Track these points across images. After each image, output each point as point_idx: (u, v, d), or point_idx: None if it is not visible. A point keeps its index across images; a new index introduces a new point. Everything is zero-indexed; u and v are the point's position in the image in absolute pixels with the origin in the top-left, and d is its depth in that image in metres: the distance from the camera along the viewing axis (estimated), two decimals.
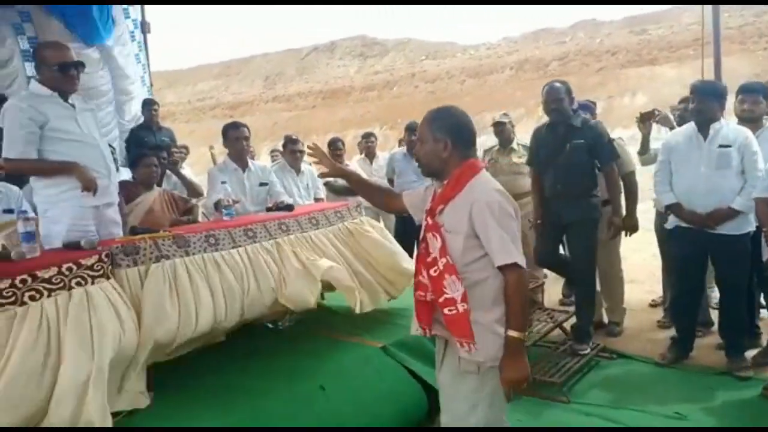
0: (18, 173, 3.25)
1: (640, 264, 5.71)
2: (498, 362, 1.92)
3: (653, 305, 4.72)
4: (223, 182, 3.64)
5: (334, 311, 3.75)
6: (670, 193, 3.56)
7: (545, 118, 3.92)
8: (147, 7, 6.48)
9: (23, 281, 2.20)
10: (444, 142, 1.99)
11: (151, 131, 5.60)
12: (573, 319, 4.01)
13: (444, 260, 1.93)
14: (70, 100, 3.01)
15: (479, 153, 6.09)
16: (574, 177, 3.72)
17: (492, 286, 1.93)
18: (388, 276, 3.60)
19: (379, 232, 3.84)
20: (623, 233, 3.96)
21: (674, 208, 3.55)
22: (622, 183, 3.87)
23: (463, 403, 1.98)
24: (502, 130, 5.07)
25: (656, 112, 4.02)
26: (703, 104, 3.43)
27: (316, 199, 5.28)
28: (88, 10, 5.50)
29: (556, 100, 3.72)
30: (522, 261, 1.90)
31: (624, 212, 3.92)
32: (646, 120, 4.01)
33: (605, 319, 4.30)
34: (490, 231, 1.89)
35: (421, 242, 2.06)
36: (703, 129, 3.45)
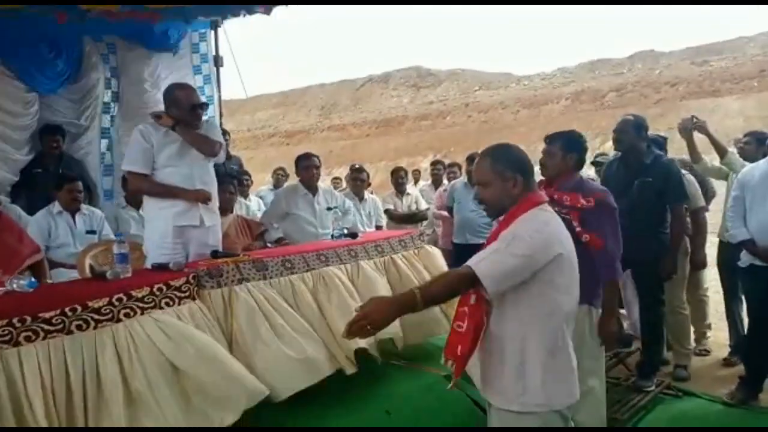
0: (136, 190, 3.64)
1: None
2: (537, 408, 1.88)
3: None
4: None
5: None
6: (743, 229, 3.51)
7: (602, 149, 3.90)
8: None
9: (119, 300, 2.38)
10: (514, 179, 1.94)
11: None
12: (635, 356, 3.96)
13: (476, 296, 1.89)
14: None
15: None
16: (640, 215, 3.62)
17: (520, 336, 1.88)
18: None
19: (440, 260, 3.93)
20: (688, 270, 3.91)
21: (748, 245, 3.49)
22: (690, 219, 3.81)
23: None
24: None
25: (694, 119, 3.99)
26: None
27: (377, 227, 5.42)
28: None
29: (619, 131, 3.71)
30: (481, 273, 1.79)
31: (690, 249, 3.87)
32: (686, 126, 3.98)
33: (668, 356, 4.22)
34: (498, 239, 1.87)
35: None
36: None
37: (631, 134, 3.66)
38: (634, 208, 3.64)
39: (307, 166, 4.30)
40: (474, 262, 1.84)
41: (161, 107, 5.95)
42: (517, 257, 1.81)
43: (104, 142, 5.68)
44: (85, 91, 5.49)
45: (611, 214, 2.89)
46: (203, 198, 3.25)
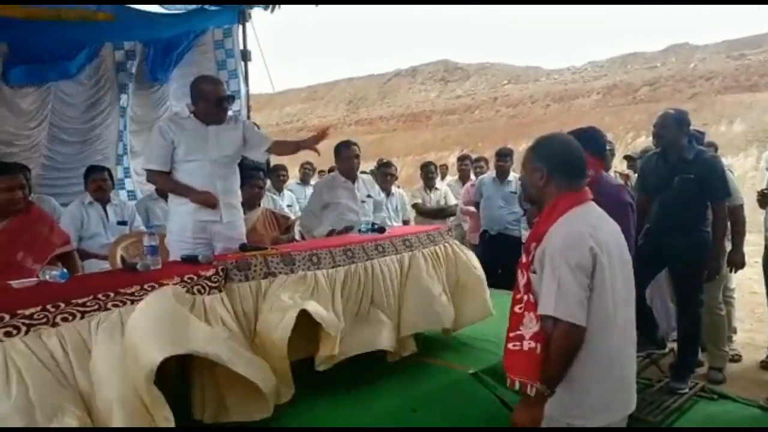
0: (155, 184, 3.80)
1: (738, 301, 5.40)
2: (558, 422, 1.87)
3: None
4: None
5: (424, 333, 3.80)
6: None
7: (634, 145, 3.82)
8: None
9: (151, 287, 2.39)
10: (541, 171, 1.93)
11: None
12: (667, 357, 3.86)
13: (527, 297, 1.87)
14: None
15: None
16: (680, 210, 3.53)
17: None
18: (476, 300, 3.65)
19: (468, 257, 3.88)
20: (728, 269, 3.79)
21: None
22: (729, 217, 3.68)
23: None
24: None
25: None
26: None
27: (404, 222, 5.40)
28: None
29: (658, 125, 3.61)
30: (567, 315, 1.76)
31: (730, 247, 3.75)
32: None
33: (702, 358, 4.10)
34: (544, 277, 1.83)
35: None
36: None
37: (673, 129, 3.54)
38: (674, 204, 3.55)
39: (347, 156, 4.25)
40: (546, 308, 1.79)
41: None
42: (568, 272, 1.77)
43: (120, 145, 5.92)
44: (99, 95, 5.71)
45: (624, 208, 2.85)
46: (208, 202, 3.24)
